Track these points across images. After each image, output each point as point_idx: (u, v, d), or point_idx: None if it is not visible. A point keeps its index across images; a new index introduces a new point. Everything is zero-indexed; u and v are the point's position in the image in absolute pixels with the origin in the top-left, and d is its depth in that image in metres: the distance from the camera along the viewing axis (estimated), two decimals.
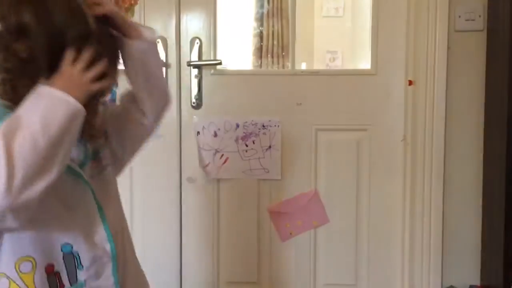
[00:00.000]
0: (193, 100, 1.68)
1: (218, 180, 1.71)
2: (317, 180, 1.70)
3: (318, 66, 3.75)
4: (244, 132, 1.68)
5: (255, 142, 1.68)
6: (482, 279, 1.62)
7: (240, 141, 1.69)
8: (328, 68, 3.62)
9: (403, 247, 1.68)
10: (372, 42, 1.65)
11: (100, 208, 0.87)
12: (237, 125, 1.68)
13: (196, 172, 1.70)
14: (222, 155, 1.69)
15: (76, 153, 0.84)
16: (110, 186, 0.94)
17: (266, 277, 1.74)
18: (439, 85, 1.56)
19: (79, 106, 0.74)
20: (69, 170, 0.81)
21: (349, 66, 3.66)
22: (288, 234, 1.71)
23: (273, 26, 3.80)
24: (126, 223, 1.00)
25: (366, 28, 1.76)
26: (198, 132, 1.68)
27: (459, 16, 1.56)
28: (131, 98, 0.94)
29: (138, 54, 0.87)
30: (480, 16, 1.56)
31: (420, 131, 1.60)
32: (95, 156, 0.91)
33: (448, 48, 1.57)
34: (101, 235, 0.87)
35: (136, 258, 1.02)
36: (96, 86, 0.78)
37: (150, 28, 0.92)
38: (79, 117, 0.75)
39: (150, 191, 1.72)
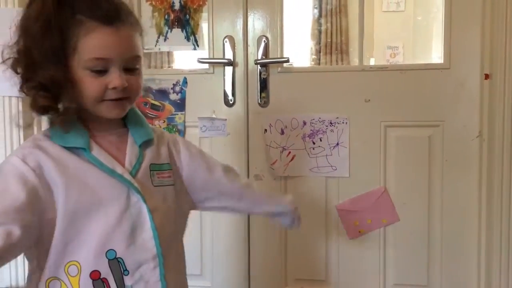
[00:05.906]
0: (260, 98, 1.69)
1: (285, 178, 1.71)
2: (386, 178, 1.66)
3: (378, 61, 3.68)
4: (311, 130, 1.67)
5: (322, 139, 1.67)
6: None
7: (307, 138, 1.68)
8: (389, 63, 3.55)
9: (479, 247, 1.61)
10: (445, 34, 1.58)
11: (149, 212, 0.88)
12: (304, 123, 1.67)
13: (263, 169, 1.71)
14: (289, 152, 1.69)
15: (129, 157, 0.90)
16: (169, 200, 0.95)
17: (334, 275, 1.72)
18: None
19: None
20: (121, 178, 0.87)
21: (411, 60, 3.56)
22: (357, 232, 1.69)
23: (335, 23, 3.78)
24: (180, 242, 1.01)
25: (435, 21, 1.71)
26: (266, 130, 1.69)
27: None
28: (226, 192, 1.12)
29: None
30: None
31: (498, 126, 1.52)
32: (161, 169, 0.95)
33: None
34: (146, 239, 0.88)
35: (184, 267, 1.02)
36: None
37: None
38: None
39: None
